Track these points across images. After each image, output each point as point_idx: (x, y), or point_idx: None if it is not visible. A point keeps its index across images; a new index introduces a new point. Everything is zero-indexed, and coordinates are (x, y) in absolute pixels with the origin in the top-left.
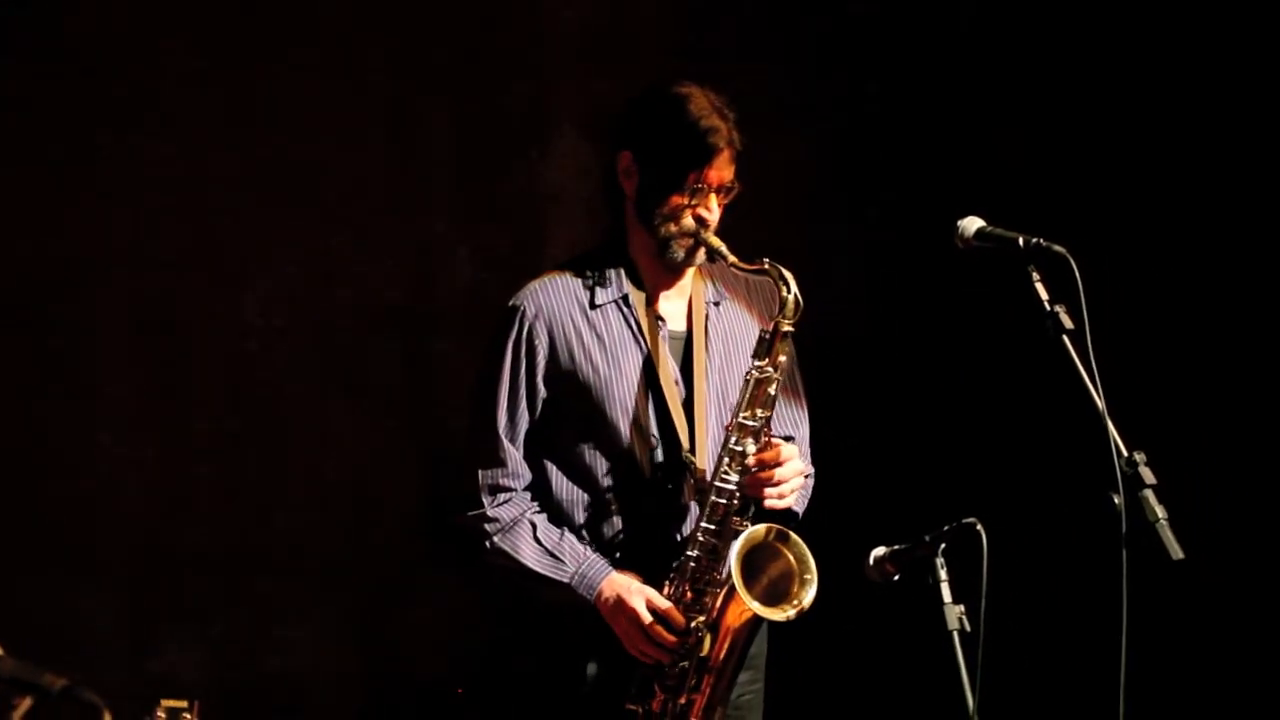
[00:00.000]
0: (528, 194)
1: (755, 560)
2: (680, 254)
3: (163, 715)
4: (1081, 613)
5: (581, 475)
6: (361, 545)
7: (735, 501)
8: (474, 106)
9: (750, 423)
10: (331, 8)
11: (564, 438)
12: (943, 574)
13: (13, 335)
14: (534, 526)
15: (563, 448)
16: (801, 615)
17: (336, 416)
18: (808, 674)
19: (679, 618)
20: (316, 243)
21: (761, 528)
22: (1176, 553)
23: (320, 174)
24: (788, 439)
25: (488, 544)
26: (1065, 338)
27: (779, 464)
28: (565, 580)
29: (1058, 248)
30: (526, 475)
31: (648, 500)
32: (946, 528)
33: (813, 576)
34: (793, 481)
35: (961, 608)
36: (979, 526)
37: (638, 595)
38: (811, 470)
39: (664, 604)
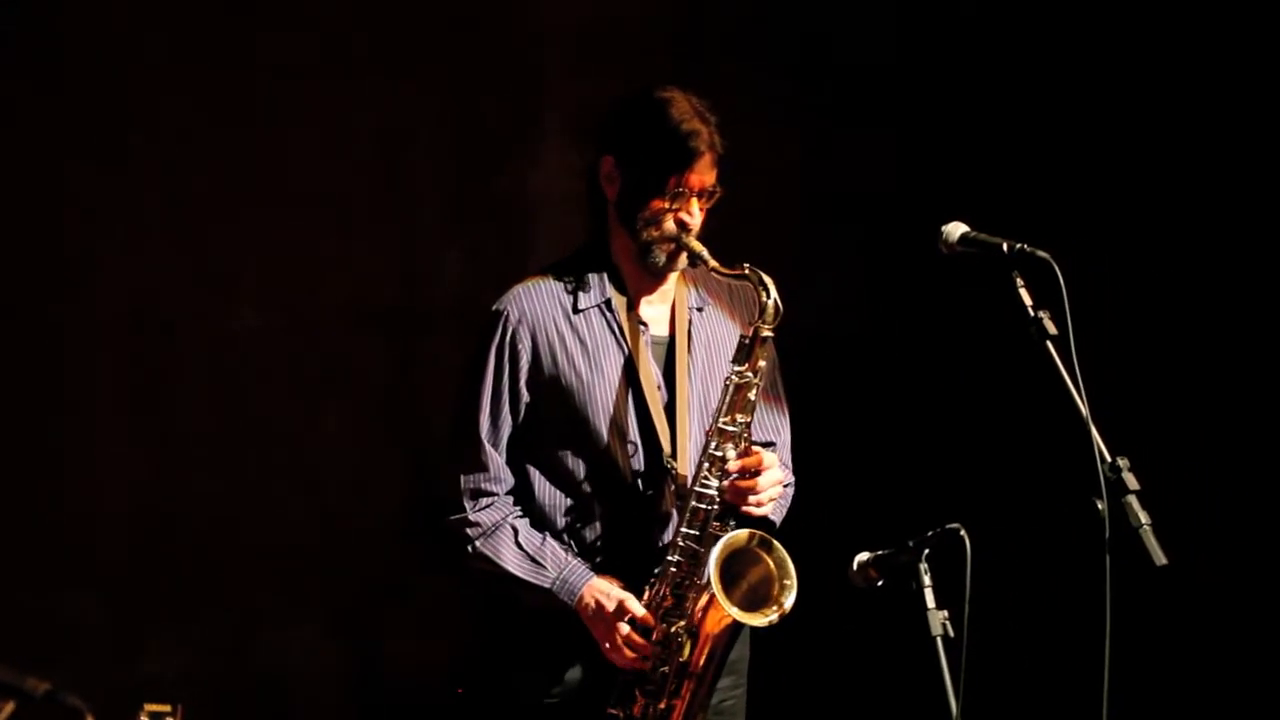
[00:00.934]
0: (516, 196)
1: (735, 566)
2: (662, 258)
3: (146, 719)
4: (1065, 619)
5: (563, 480)
6: (348, 546)
7: (716, 507)
8: (463, 108)
9: (730, 428)
10: (321, 9)
11: (546, 442)
12: (926, 579)
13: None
14: (515, 531)
15: (545, 452)
16: (783, 618)
17: (324, 418)
18: (790, 679)
19: (656, 624)
20: (305, 244)
21: (743, 533)
22: (1160, 559)
23: (309, 175)
24: (768, 444)
25: (469, 548)
26: (1049, 343)
27: (759, 471)
28: (546, 586)
29: (1042, 253)
30: (509, 480)
31: (629, 505)
32: (930, 533)
33: (792, 582)
34: (770, 491)
35: (945, 613)
36: (963, 532)
37: (616, 602)
38: (791, 479)
39: (641, 611)
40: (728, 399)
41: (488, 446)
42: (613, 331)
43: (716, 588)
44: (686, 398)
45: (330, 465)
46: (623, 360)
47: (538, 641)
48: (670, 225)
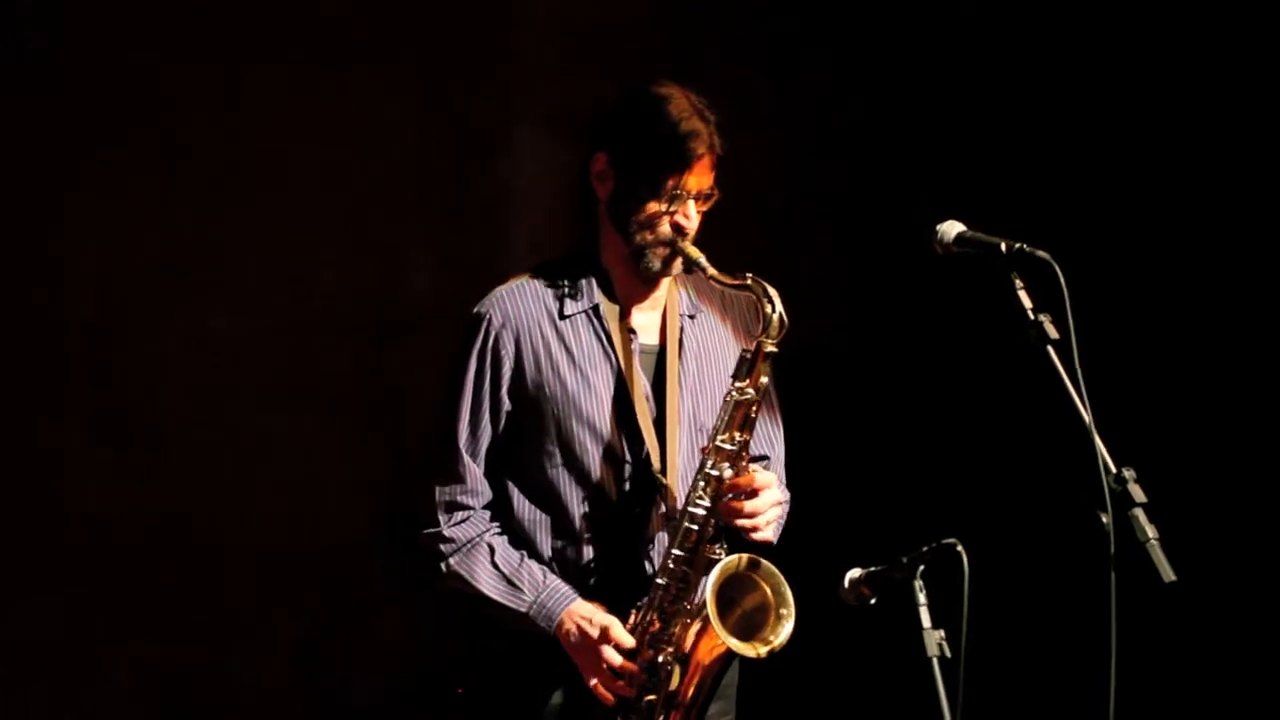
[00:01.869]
0: (494, 197)
1: (730, 592)
2: (656, 264)
3: None
4: (1068, 638)
5: (544, 495)
6: (322, 556)
7: (709, 529)
8: (440, 108)
9: (728, 446)
10: (296, 10)
11: (527, 454)
12: (921, 598)
13: None
14: (492, 550)
15: (525, 465)
16: (773, 654)
17: (300, 418)
18: (781, 705)
19: (643, 650)
20: (280, 248)
21: (735, 558)
22: (1168, 574)
23: (285, 177)
24: (762, 458)
25: (443, 566)
26: (1050, 348)
27: (754, 491)
28: (523, 610)
29: (1041, 253)
30: (486, 493)
31: (614, 523)
32: (925, 548)
33: (790, 611)
34: (769, 513)
35: (941, 633)
36: (959, 547)
37: (600, 628)
38: (787, 496)
39: (628, 640)
40: (727, 416)
41: (465, 457)
42: (601, 339)
43: (713, 614)
44: (677, 410)
45: (307, 470)
46: (611, 370)
47: (519, 665)
48: (666, 229)
